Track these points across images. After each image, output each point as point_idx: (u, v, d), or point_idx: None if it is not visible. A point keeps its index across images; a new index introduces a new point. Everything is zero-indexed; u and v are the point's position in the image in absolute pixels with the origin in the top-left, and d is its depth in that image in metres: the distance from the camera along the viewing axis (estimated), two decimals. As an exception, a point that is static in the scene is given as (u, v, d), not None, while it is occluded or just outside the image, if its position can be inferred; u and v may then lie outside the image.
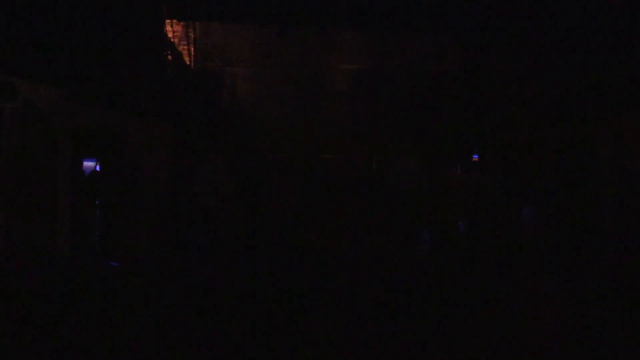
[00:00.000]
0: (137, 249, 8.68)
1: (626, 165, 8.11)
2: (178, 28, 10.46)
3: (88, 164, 8.82)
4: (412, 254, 8.69)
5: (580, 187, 8.64)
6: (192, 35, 10.54)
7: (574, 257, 7.60)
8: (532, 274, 6.95)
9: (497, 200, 8.88)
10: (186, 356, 4.06)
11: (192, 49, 10.55)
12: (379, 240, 8.94)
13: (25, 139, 7.90)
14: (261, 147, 10.01)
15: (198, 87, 10.55)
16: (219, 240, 8.39)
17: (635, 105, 8.12)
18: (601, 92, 8.60)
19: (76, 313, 5.05)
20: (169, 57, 10.45)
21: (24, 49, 7.84)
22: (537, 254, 8.12)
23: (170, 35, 10.40)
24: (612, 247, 7.98)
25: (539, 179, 8.92)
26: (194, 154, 9.55)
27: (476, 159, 9.92)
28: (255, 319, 4.89)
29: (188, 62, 10.60)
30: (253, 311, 5.15)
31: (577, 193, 8.65)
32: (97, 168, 8.57)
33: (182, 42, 10.52)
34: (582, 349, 4.21)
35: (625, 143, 8.17)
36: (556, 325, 4.83)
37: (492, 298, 5.79)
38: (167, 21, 10.33)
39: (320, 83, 10.74)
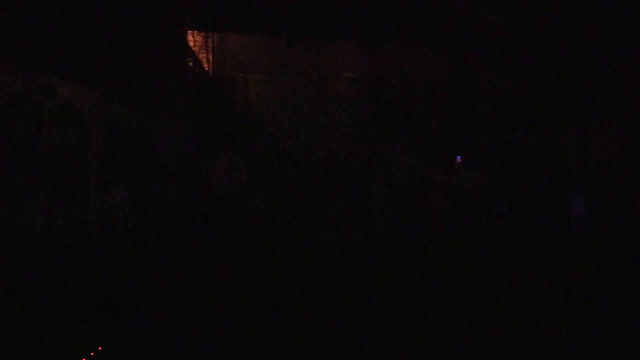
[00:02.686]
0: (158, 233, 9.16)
1: (591, 165, 8.67)
2: (199, 38, 10.73)
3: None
4: (402, 244, 9.06)
5: (550, 184, 9.16)
6: (211, 45, 10.81)
7: (546, 247, 7.96)
8: (509, 262, 7.24)
9: (477, 197, 9.35)
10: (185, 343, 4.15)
11: (211, 56, 10.81)
12: (372, 231, 9.49)
13: (62, 133, 8.52)
14: (269, 143, 10.39)
15: (215, 90, 10.84)
16: (235, 225, 8.84)
17: (598, 112, 8.66)
18: (568, 102, 9.10)
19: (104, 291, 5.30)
20: (190, 63, 10.75)
21: (64, 54, 8.50)
22: (511, 245, 8.52)
23: (191, 44, 10.73)
24: (580, 238, 8.34)
25: (514, 177, 9.37)
26: (211, 149, 9.97)
27: (459, 160, 10.35)
28: (251, 307, 5.02)
29: (207, 69, 10.90)
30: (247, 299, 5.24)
31: (548, 190, 9.17)
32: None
33: (202, 51, 10.79)
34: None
35: (590, 146, 8.77)
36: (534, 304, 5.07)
37: (475, 283, 5.94)
38: (189, 32, 10.67)
39: (323, 88, 11.04)
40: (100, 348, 4.03)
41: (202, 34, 10.72)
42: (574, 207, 8.90)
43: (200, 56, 10.82)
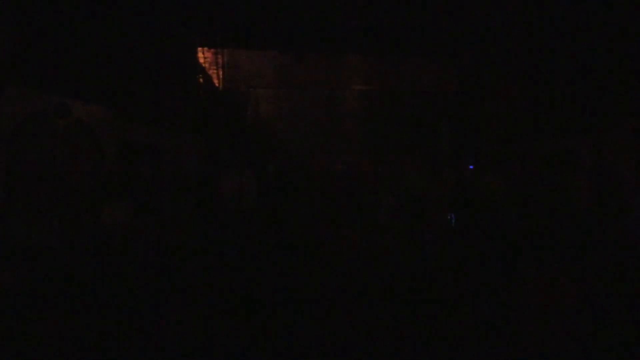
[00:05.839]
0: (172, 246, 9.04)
1: (605, 174, 8.56)
2: (208, 55, 10.88)
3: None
4: (415, 252, 8.84)
5: (564, 194, 9.02)
6: (221, 61, 10.96)
7: (560, 257, 7.74)
8: (527, 271, 6.93)
9: (491, 205, 9.24)
10: (188, 355, 4.00)
11: (221, 72, 10.96)
12: (385, 239, 9.38)
13: (75, 150, 8.35)
14: (279, 157, 10.41)
15: (225, 106, 10.94)
16: (244, 239, 8.58)
17: (613, 121, 8.48)
18: (583, 110, 8.96)
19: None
20: (201, 80, 10.84)
21: (76, 73, 8.29)
22: (528, 253, 8.35)
23: (201, 61, 10.83)
24: (595, 247, 8.07)
25: (527, 186, 9.26)
26: (222, 163, 9.92)
27: (472, 169, 10.29)
28: (261, 315, 4.86)
29: (217, 84, 11.02)
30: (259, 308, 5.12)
31: (561, 199, 9.04)
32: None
33: (212, 67, 10.94)
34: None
35: (604, 155, 8.68)
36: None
37: (491, 292, 5.79)
38: (199, 49, 10.76)
39: (332, 102, 11.17)
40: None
41: (212, 50, 10.89)
42: (590, 214, 8.74)
43: (210, 72, 10.98)
